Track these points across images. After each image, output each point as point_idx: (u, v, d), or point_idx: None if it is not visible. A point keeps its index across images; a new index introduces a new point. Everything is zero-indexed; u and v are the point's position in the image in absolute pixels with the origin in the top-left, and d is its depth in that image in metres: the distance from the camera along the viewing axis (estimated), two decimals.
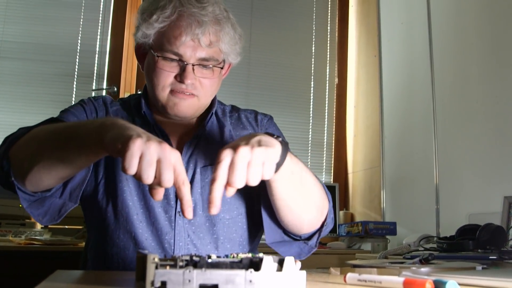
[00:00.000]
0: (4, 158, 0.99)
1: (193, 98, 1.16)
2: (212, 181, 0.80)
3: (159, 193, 0.78)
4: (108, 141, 0.80)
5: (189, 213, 0.78)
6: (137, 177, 0.74)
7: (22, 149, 0.99)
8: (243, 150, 0.82)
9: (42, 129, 1.00)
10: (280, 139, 0.93)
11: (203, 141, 1.23)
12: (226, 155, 0.82)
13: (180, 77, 1.13)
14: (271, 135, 0.92)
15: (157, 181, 0.75)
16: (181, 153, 1.18)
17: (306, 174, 1.05)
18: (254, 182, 0.83)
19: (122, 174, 1.15)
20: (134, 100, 1.28)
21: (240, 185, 0.81)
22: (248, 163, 0.82)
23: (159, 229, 1.13)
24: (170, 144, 1.18)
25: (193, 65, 1.13)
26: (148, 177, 0.74)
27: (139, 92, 1.29)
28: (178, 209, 1.15)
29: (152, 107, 1.24)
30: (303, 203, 1.07)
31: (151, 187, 0.77)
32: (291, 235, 1.15)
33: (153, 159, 0.74)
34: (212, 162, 1.19)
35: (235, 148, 0.82)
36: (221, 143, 1.24)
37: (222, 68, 1.19)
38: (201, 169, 1.19)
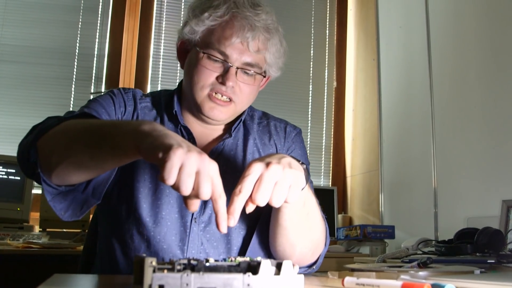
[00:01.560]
0: (32, 148, 0.96)
1: (230, 104, 1.15)
2: (236, 192, 0.79)
3: (195, 204, 0.77)
4: (146, 147, 0.77)
5: (223, 227, 0.77)
6: (175, 188, 0.73)
7: (52, 142, 0.95)
8: (275, 168, 0.81)
9: (75, 123, 0.97)
10: (304, 166, 0.92)
11: (227, 148, 1.22)
12: (257, 170, 0.81)
13: (222, 78, 1.12)
14: (297, 160, 0.91)
15: (195, 193, 0.74)
16: None
17: (315, 211, 1.05)
18: (277, 204, 0.81)
19: (140, 174, 1.14)
20: (166, 97, 1.26)
21: (263, 203, 0.80)
22: (275, 183, 0.81)
23: (173, 234, 1.12)
24: None
25: (237, 68, 1.12)
26: (187, 189, 0.72)
27: (173, 89, 1.28)
28: (195, 215, 1.13)
29: (183, 107, 1.22)
30: (301, 237, 1.07)
31: (187, 198, 0.76)
32: None
33: (193, 170, 0.73)
34: (233, 171, 1.19)
35: (266, 164, 0.81)
36: (244, 152, 1.23)
37: (264, 76, 1.19)
38: (221, 176, 1.18)
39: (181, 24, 1.21)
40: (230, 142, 1.23)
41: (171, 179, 0.71)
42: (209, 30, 1.13)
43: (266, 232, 1.13)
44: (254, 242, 1.15)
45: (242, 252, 1.17)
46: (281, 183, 0.81)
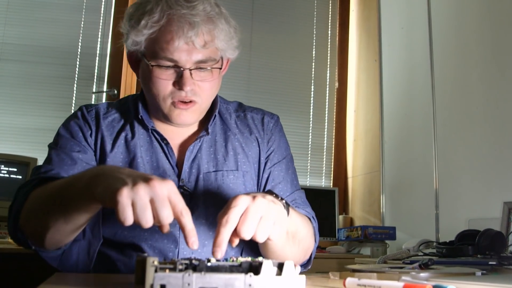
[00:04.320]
0: (17, 231, 1.00)
1: (195, 104, 1.12)
2: (223, 222, 0.77)
3: (166, 228, 0.77)
4: (100, 199, 0.79)
5: (193, 243, 0.76)
6: (137, 224, 0.73)
7: (29, 219, 0.98)
8: (261, 202, 0.80)
9: (39, 194, 0.99)
10: (284, 201, 0.91)
11: (206, 145, 1.21)
12: (243, 202, 0.79)
13: (179, 84, 1.08)
14: (276, 196, 0.90)
15: (157, 221, 0.74)
16: (183, 158, 1.17)
17: (299, 228, 1.04)
18: (261, 239, 0.80)
19: None
20: (133, 101, 1.24)
21: (248, 236, 0.78)
22: (260, 218, 0.80)
23: (164, 237, 1.11)
24: (170, 150, 1.17)
25: (190, 69, 1.08)
26: (147, 222, 0.73)
27: (138, 93, 1.26)
28: None
29: (151, 110, 1.21)
30: (291, 252, 1.07)
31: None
32: None
33: (146, 202, 0.73)
34: (216, 168, 1.18)
35: (252, 198, 0.80)
36: (226, 148, 1.22)
37: (220, 68, 1.15)
38: (205, 175, 1.17)
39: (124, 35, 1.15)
40: (208, 138, 1.22)
41: (128, 220, 0.72)
42: (150, 39, 1.07)
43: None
44: (247, 246, 1.15)
45: (234, 249, 1.17)
46: (266, 218, 0.80)
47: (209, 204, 1.16)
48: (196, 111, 1.14)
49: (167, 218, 0.74)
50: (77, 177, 0.91)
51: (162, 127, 1.20)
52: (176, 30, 1.04)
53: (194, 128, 1.24)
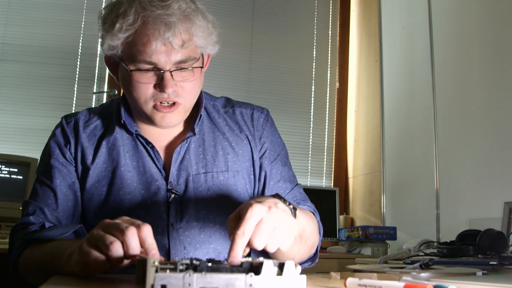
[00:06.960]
0: (18, 276, 1.10)
1: (178, 106, 1.10)
2: (240, 234, 0.76)
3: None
4: (75, 270, 0.83)
5: (155, 255, 0.79)
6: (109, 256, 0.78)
7: (27, 275, 1.08)
8: (275, 213, 0.79)
9: (29, 260, 1.05)
10: (292, 206, 0.89)
11: (194, 146, 1.19)
12: (258, 213, 0.78)
13: (160, 86, 1.06)
14: (284, 201, 0.88)
15: (126, 250, 0.77)
16: (170, 160, 1.16)
17: (306, 227, 1.03)
18: (272, 249, 0.80)
19: (124, 188, 1.14)
20: (116, 105, 1.22)
21: (260, 247, 0.78)
22: (273, 229, 0.79)
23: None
24: (157, 153, 1.16)
25: (170, 71, 1.05)
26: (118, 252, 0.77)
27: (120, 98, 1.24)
28: (171, 221, 1.12)
29: (135, 114, 1.19)
30: (298, 250, 1.07)
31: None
32: None
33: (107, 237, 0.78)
34: (205, 168, 1.16)
35: (267, 208, 0.79)
36: (215, 147, 1.20)
37: (201, 66, 1.12)
38: (194, 176, 1.16)
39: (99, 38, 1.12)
40: (196, 138, 1.19)
41: (99, 257, 0.78)
42: (127, 43, 1.05)
43: None
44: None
45: (227, 250, 1.16)
46: (278, 230, 0.80)
47: (200, 206, 1.15)
48: (181, 112, 1.12)
49: (133, 248, 0.77)
50: (63, 252, 0.93)
51: (147, 130, 1.18)
52: (152, 32, 1.02)
53: (180, 128, 1.21)
